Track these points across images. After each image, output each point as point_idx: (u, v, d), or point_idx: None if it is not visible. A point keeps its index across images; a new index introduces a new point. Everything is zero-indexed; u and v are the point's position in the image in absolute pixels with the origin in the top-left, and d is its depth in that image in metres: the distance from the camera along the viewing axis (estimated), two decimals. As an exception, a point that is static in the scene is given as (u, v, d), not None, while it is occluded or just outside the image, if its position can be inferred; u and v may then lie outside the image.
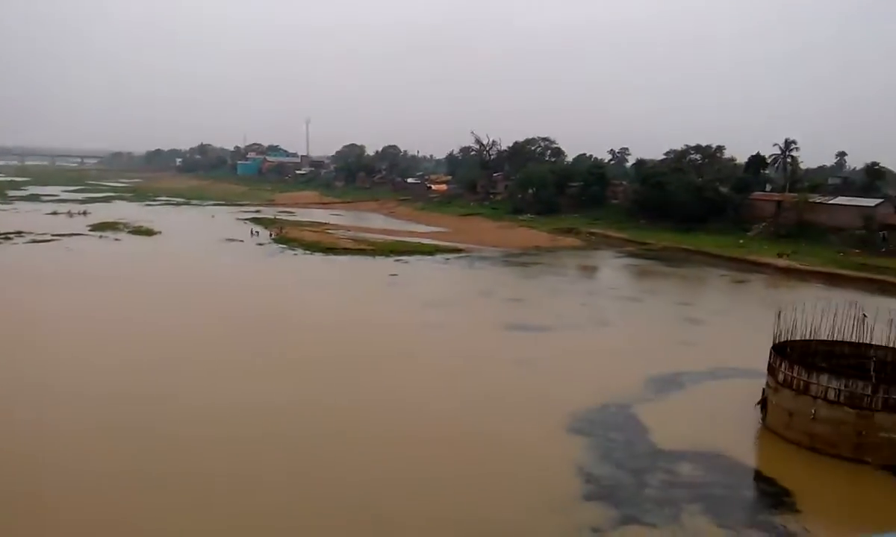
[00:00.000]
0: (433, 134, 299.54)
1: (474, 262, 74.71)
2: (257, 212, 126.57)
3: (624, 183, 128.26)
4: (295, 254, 74.89)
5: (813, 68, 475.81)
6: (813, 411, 26.42)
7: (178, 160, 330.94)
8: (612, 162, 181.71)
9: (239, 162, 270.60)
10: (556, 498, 22.05)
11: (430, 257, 76.30)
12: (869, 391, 25.24)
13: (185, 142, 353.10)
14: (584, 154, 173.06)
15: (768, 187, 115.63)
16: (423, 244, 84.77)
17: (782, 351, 29.24)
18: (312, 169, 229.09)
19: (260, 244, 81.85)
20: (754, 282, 68.40)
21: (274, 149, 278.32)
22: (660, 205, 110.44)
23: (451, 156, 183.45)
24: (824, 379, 26.11)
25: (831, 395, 25.88)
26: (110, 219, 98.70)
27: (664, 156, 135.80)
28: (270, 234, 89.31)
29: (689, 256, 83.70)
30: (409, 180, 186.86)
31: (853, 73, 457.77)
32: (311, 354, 36.94)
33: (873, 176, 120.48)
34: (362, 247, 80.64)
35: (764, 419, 29.04)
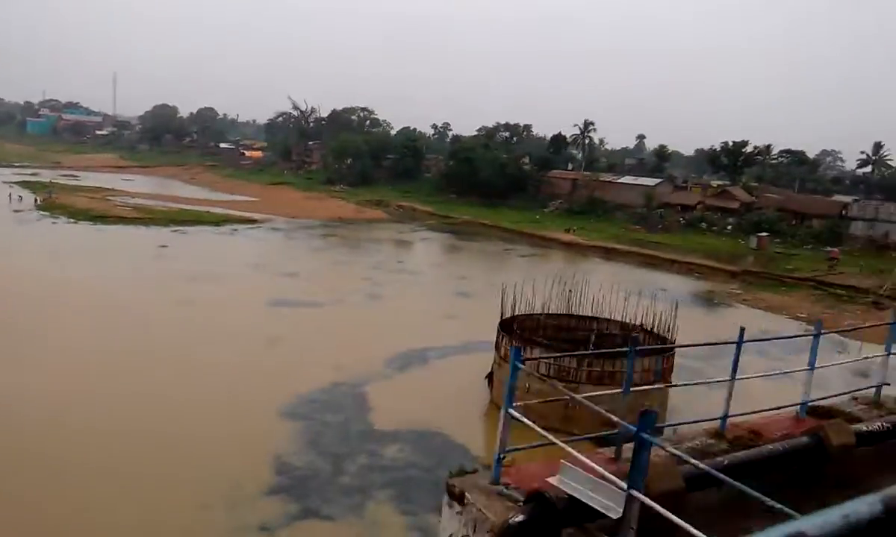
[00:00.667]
0: (260, 98, 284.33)
1: (266, 234, 70.96)
2: (34, 175, 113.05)
3: (439, 157, 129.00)
4: (55, 223, 66.80)
5: (615, 52, 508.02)
6: (527, 385, 26.35)
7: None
8: (435, 136, 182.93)
9: (29, 119, 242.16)
10: (237, 494, 19.92)
11: (215, 228, 71.37)
12: (575, 364, 25.51)
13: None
14: (408, 127, 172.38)
15: (570, 166, 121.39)
16: (211, 213, 79.33)
17: (510, 326, 29.15)
18: (115, 130, 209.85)
19: (17, 211, 72.34)
20: (539, 256, 70.62)
21: (73, 107, 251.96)
22: (468, 180, 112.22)
23: (270, 123, 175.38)
24: (537, 353, 26.07)
25: (543, 369, 25.91)
26: None
27: (476, 133, 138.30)
28: (36, 200, 79.41)
29: (486, 231, 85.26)
30: (222, 145, 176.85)
31: (648, 59, 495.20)
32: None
33: (661, 158, 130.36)
34: (140, 215, 73.88)
35: (491, 394, 28.86)
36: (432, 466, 22.59)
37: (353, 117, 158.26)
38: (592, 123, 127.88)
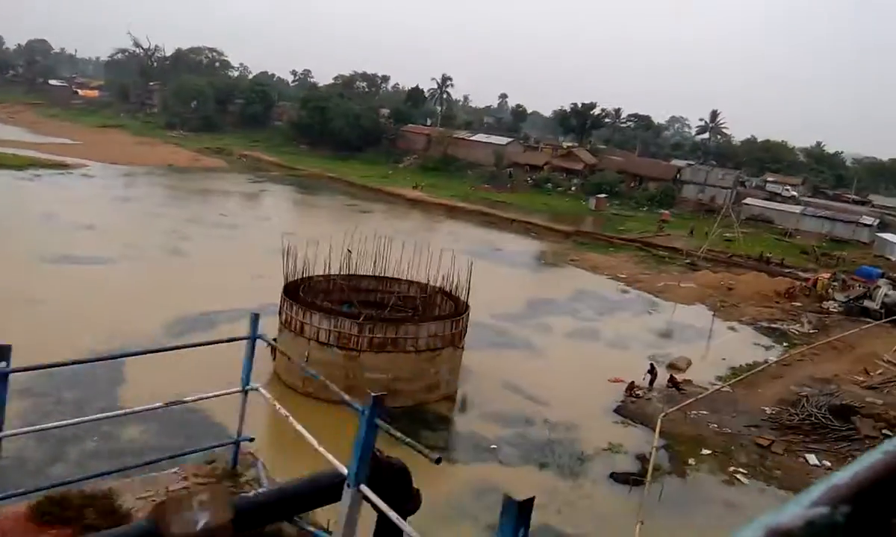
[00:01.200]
0: (103, 33, 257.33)
1: (74, 181, 63.78)
2: None
3: (291, 105, 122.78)
4: None
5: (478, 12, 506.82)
6: (307, 354, 24.07)
7: None
8: (295, 83, 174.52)
9: None
10: None
11: (15, 172, 63.31)
12: (356, 331, 23.44)
13: None
14: (266, 72, 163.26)
15: (429, 122, 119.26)
16: (15, 156, 70.40)
17: (298, 289, 26.57)
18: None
19: None
20: (380, 212, 68.29)
21: None
22: (320, 131, 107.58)
23: (110, 61, 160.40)
24: (317, 318, 23.76)
25: (322, 336, 23.68)
26: None
27: (332, 81, 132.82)
28: None
29: (333, 184, 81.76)
30: (53, 82, 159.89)
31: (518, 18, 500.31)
32: None
33: (518, 117, 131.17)
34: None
35: (274, 365, 26.29)
36: (174, 448, 19.75)
37: (201, 58, 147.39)
38: (450, 79, 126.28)
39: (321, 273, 28.36)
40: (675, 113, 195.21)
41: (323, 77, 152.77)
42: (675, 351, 34.23)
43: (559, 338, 34.43)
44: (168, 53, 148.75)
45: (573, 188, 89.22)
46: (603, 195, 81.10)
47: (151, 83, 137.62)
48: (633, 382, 28.44)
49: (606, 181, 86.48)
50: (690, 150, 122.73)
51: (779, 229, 74.69)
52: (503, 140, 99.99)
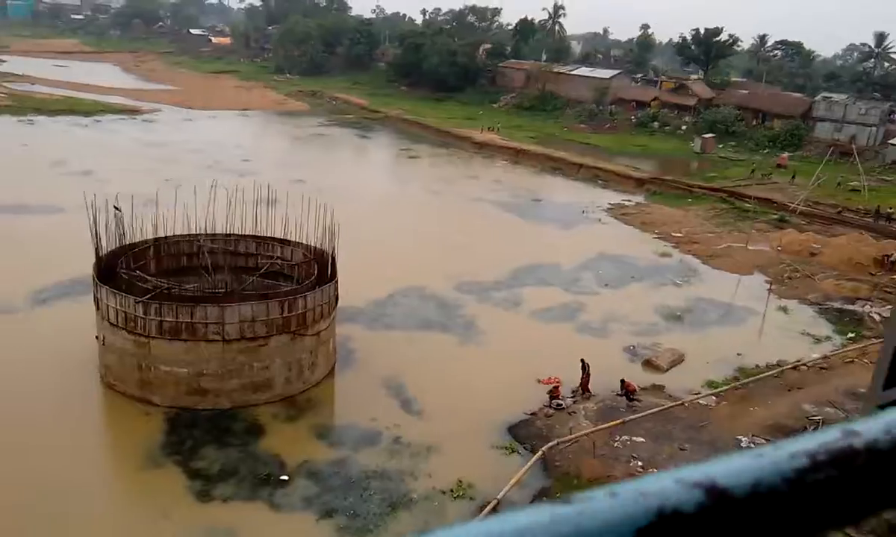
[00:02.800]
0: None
1: (126, 126, 63.46)
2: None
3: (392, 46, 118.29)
4: None
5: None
6: (102, 337, 19.51)
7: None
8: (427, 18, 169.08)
9: (9, 2, 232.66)
10: None
11: (80, 118, 64.30)
12: (141, 312, 18.38)
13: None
14: (399, 13, 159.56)
15: (544, 56, 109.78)
16: (90, 102, 72.02)
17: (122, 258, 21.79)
18: (90, 14, 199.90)
19: None
20: (430, 157, 62.33)
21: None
22: (416, 71, 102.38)
23: (249, 7, 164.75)
24: (104, 293, 18.96)
25: (113, 317, 18.91)
26: None
27: (443, 17, 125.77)
28: None
29: (404, 127, 76.53)
30: (193, 32, 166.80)
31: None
32: None
33: (643, 48, 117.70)
34: (4, 103, 66.99)
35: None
36: None
37: (321, 0, 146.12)
38: (563, 7, 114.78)
39: (186, 233, 23.45)
40: (837, 39, 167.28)
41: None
42: (678, 339, 26.08)
43: (520, 318, 27.36)
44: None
45: (683, 127, 77.43)
46: (711, 135, 69.22)
47: (270, 27, 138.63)
48: (556, 386, 21.27)
49: (721, 119, 73.94)
50: (851, 82, 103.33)
51: (934, 177, 59.64)
52: (607, 73, 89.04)
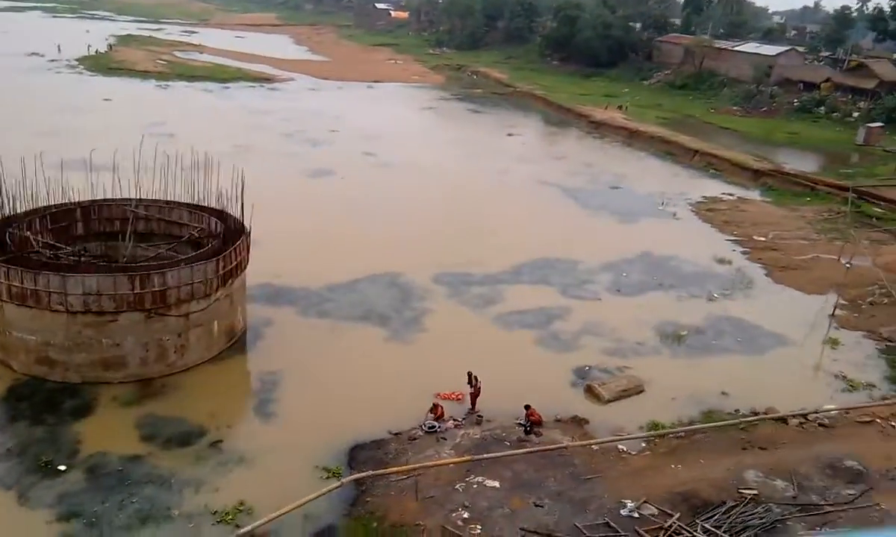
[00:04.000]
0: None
1: (246, 93, 66.52)
2: (159, 29, 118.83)
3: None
4: (65, 74, 68.66)
5: None
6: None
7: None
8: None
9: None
10: None
11: (216, 83, 68.64)
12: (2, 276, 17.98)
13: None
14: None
15: (709, 30, 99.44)
16: (231, 69, 76.73)
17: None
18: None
19: (53, 60, 75.13)
20: (537, 133, 58.49)
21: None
22: (568, 45, 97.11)
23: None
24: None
25: (-2, 285, 18.73)
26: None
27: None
28: (94, 51, 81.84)
29: (529, 103, 72.99)
30: (379, 6, 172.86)
31: None
32: None
33: (842, 23, 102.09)
34: (162, 70, 73.30)
35: None
36: None
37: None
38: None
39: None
40: None
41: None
42: (657, 365, 21.49)
43: (480, 319, 23.96)
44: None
45: (855, 114, 65.82)
46: (878, 124, 58.06)
47: (441, 1, 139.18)
48: (437, 405, 18.15)
49: (902, 105, 61.80)
50: None
51: None
52: (774, 49, 77.91)
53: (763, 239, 34.29)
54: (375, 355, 21.20)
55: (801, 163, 49.91)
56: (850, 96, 68.41)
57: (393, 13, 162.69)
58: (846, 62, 76.56)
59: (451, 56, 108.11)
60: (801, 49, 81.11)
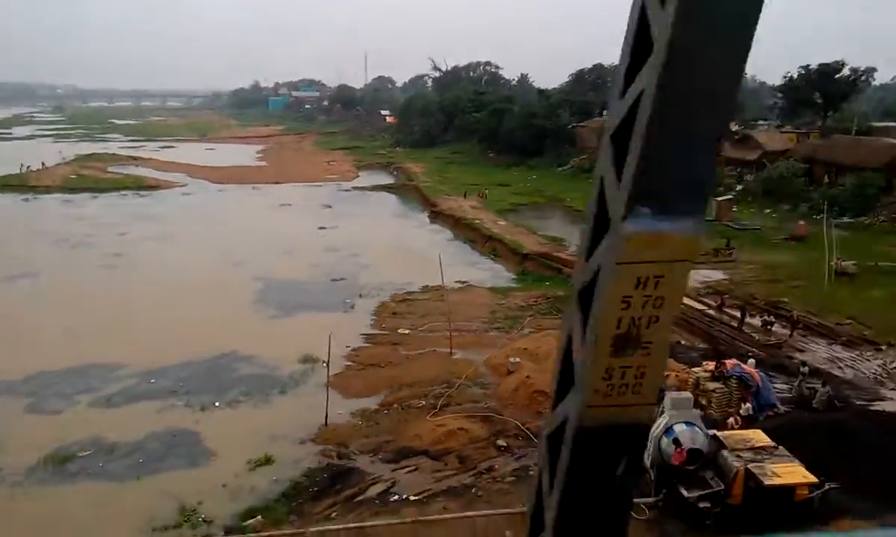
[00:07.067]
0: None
1: (119, 199, 67.55)
2: (132, 148, 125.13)
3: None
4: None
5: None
6: None
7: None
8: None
9: (270, 98, 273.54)
10: None
11: (94, 193, 70.26)
12: None
13: (283, 76, 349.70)
14: (531, 81, 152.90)
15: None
16: (134, 179, 79.27)
17: None
18: (313, 104, 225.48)
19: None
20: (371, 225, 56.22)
21: (307, 85, 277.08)
22: (496, 137, 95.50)
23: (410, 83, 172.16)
24: None
25: None
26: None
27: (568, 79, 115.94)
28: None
29: (412, 194, 71.12)
30: (383, 112, 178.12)
31: None
32: None
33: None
34: (66, 184, 75.21)
35: None
36: None
37: (472, 74, 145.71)
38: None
39: None
40: None
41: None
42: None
43: None
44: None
45: (739, 187, 60.22)
46: (727, 197, 52.59)
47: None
48: None
49: (777, 175, 55.87)
50: None
51: None
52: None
53: (407, 332, 30.14)
54: None
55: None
56: (738, 170, 62.82)
57: (388, 118, 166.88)
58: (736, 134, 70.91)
59: (398, 155, 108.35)
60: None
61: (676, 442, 15.07)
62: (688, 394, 17.26)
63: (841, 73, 69.47)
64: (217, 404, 23.38)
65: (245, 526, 16.48)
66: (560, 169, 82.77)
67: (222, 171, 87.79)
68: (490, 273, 41.16)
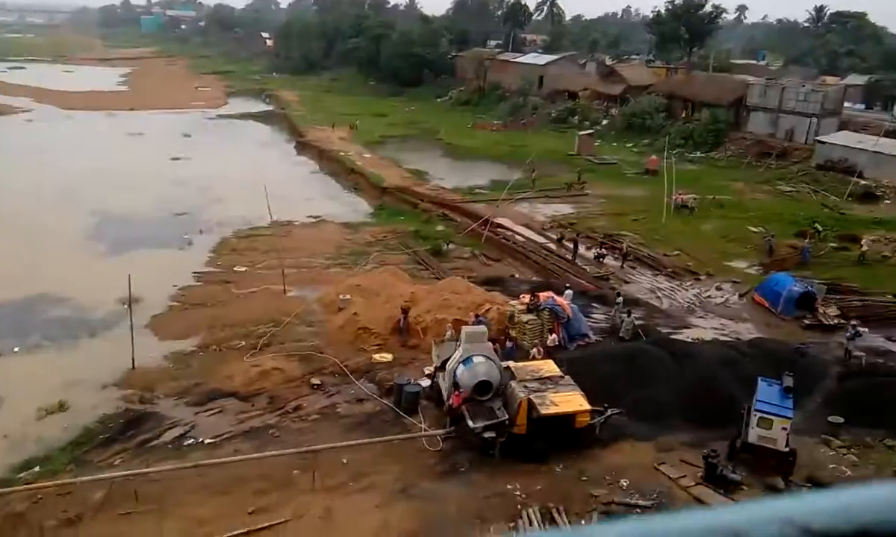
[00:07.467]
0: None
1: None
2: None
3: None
4: None
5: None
6: None
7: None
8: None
9: (142, 17, 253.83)
10: None
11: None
12: None
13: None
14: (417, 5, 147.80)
15: (540, 41, 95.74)
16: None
17: None
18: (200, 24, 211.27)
19: None
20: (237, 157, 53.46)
21: (184, 3, 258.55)
22: (377, 65, 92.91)
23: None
24: None
25: None
26: None
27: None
28: None
29: (282, 122, 68.44)
30: (264, 34, 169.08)
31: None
32: None
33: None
34: None
35: None
36: None
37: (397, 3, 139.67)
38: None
39: None
40: None
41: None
42: None
43: None
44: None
45: (604, 122, 61.51)
46: (588, 132, 53.61)
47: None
48: None
49: (639, 111, 57.40)
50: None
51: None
52: (543, 59, 73.95)
53: (244, 269, 29.02)
54: None
55: (488, 178, 45.22)
56: (604, 103, 64.13)
57: (269, 42, 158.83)
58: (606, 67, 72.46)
59: (273, 81, 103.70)
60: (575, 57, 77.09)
61: (456, 385, 15.16)
62: (482, 328, 17.38)
63: (703, 9, 71.57)
64: (16, 350, 21.68)
65: (18, 478, 15.40)
66: (439, 100, 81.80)
67: (74, 97, 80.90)
68: (349, 207, 40.25)
